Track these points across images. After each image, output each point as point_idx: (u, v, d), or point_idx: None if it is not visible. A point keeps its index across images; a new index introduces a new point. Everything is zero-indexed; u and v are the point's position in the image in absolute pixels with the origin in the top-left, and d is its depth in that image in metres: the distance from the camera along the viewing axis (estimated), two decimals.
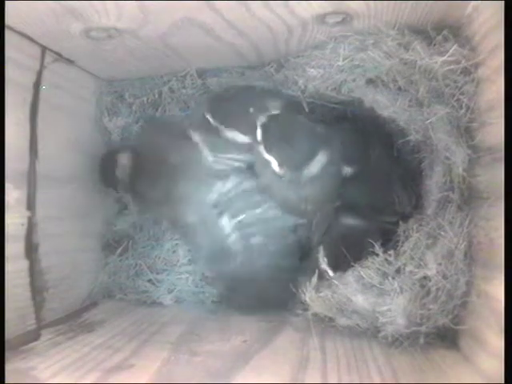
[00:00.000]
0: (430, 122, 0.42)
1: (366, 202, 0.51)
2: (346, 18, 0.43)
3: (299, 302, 0.46)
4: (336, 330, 0.43)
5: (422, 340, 0.38)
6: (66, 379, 0.35)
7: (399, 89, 0.46)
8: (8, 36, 0.42)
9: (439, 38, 0.42)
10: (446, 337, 0.40)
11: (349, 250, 0.45)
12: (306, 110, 0.52)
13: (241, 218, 0.51)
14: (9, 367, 0.36)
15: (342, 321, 0.43)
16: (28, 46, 0.46)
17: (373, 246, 0.43)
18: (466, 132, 0.40)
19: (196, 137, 0.53)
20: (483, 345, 0.33)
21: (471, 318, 0.37)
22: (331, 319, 0.44)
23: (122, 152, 0.57)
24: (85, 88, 0.58)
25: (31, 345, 0.42)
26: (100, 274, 0.59)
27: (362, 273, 0.42)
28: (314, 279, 0.45)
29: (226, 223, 0.51)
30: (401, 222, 0.46)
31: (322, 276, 0.46)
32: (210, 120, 0.53)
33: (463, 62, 0.40)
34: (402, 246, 0.43)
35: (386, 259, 0.42)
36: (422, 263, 0.40)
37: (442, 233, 0.40)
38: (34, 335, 0.44)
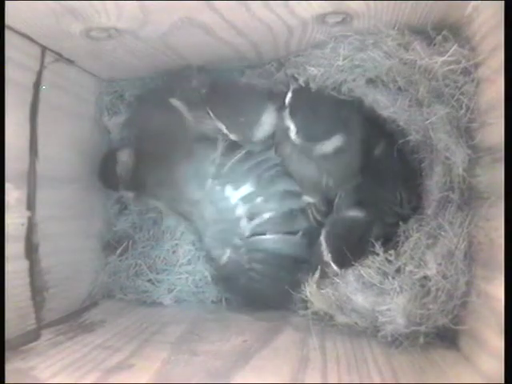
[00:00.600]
0: (430, 122, 0.42)
1: (369, 195, 0.51)
2: (346, 18, 0.43)
3: (300, 300, 0.46)
4: (336, 330, 0.43)
5: (421, 340, 0.38)
6: (65, 379, 0.35)
7: (399, 89, 0.46)
8: (8, 36, 0.42)
9: (439, 38, 0.42)
10: (446, 337, 0.40)
11: (353, 244, 0.45)
12: None
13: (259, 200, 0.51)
14: (9, 367, 0.36)
15: (341, 318, 0.43)
16: (28, 46, 0.46)
17: (377, 240, 0.43)
18: (465, 132, 0.40)
19: (176, 102, 0.54)
20: (483, 345, 0.33)
21: (471, 317, 0.37)
22: (331, 317, 0.44)
23: (121, 149, 0.57)
24: (85, 88, 0.58)
25: (31, 345, 0.42)
26: (100, 274, 0.59)
27: (362, 272, 0.42)
28: (316, 274, 0.45)
29: (231, 193, 0.51)
30: (401, 223, 0.46)
31: (323, 275, 0.46)
32: (211, 114, 0.53)
33: (463, 62, 0.40)
34: (402, 246, 0.43)
35: (387, 258, 0.42)
36: (422, 263, 0.40)
37: (442, 233, 0.40)
38: (34, 335, 0.44)
